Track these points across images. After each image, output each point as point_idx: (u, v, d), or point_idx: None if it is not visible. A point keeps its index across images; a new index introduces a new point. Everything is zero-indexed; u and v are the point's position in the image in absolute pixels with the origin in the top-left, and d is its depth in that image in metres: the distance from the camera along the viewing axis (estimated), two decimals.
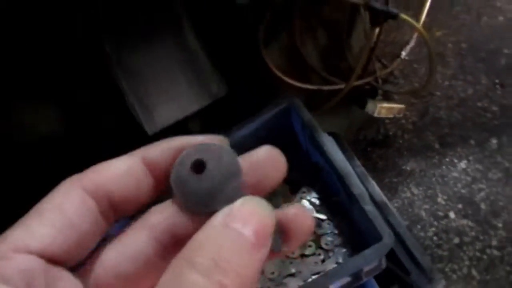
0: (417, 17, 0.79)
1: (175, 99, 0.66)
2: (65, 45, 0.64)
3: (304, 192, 0.74)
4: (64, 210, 0.21)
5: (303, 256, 0.69)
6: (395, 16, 0.66)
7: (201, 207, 0.22)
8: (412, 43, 0.92)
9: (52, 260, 0.20)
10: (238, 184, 0.22)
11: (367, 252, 0.59)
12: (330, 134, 0.96)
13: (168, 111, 0.64)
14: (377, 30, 0.68)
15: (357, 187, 0.64)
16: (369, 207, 0.62)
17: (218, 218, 0.21)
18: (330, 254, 0.70)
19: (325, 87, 0.76)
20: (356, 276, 0.66)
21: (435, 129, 1.14)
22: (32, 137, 0.64)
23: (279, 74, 0.70)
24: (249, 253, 0.19)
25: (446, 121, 1.14)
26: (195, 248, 0.19)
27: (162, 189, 0.25)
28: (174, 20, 0.65)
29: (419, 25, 0.70)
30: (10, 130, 0.67)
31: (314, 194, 0.75)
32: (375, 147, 1.16)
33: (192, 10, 0.65)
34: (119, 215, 0.24)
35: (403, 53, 0.93)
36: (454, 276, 0.97)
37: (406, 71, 1.13)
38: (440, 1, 1.28)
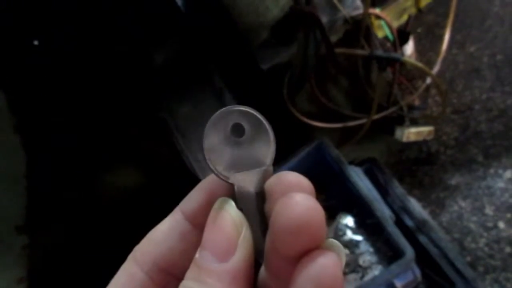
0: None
1: None
2: (138, 120, 0.83)
3: (341, 218, 0.85)
4: None
5: (344, 274, 0.80)
6: (398, 60, 0.76)
7: (226, 173, 0.22)
8: (436, 69, 1.00)
9: None
10: (269, 168, 0.23)
11: (392, 267, 0.68)
12: (368, 159, 1.07)
13: None
14: (388, 72, 0.79)
15: (380, 211, 0.74)
16: (392, 228, 0.72)
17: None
18: (368, 271, 0.79)
19: (351, 123, 0.87)
20: None
21: (477, 142, 1.18)
22: (116, 194, 0.83)
23: (306, 120, 0.82)
24: (211, 273, 0.21)
25: (487, 133, 1.18)
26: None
27: None
28: (215, 90, 0.81)
29: (434, 67, 0.80)
30: (98, 191, 0.86)
31: (350, 218, 0.85)
32: (420, 165, 1.22)
33: (228, 80, 0.81)
34: (175, 276, 0.24)
35: (428, 80, 1.01)
36: (509, 285, 1.00)
37: (438, 92, 1.19)
38: (471, 17, 1.33)
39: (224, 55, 0.81)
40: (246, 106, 0.23)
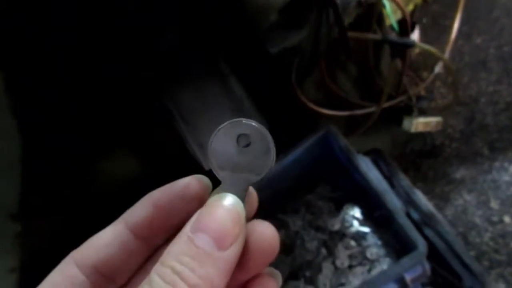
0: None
1: None
2: (138, 105, 0.79)
3: (347, 209, 0.82)
4: None
5: (350, 267, 0.77)
6: (412, 46, 0.73)
7: (230, 174, 0.24)
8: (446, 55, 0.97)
9: None
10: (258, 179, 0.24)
11: (403, 260, 0.66)
12: (373, 151, 1.04)
13: None
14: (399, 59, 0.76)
15: (392, 203, 0.71)
16: (403, 220, 0.69)
17: (187, 227, 0.22)
18: (376, 264, 0.77)
19: (359, 112, 0.84)
20: (402, 283, 0.73)
21: (483, 135, 1.16)
22: (115, 182, 0.80)
23: (314, 107, 0.79)
24: (208, 257, 0.21)
25: (493, 127, 1.16)
26: (163, 256, 0.21)
27: (151, 250, 0.25)
28: (221, 75, 0.78)
29: (444, 55, 0.77)
30: (93, 178, 0.83)
31: (357, 210, 0.82)
32: (424, 158, 1.20)
33: (234, 65, 0.77)
34: (116, 282, 0.25)
35: (436, 69, 0.98)
36: None
37: (443, 84, 1.16)
38: (478, 8, 1.30)
39: (231, 38, 0.78)
40: (259, 124, 0.25)
